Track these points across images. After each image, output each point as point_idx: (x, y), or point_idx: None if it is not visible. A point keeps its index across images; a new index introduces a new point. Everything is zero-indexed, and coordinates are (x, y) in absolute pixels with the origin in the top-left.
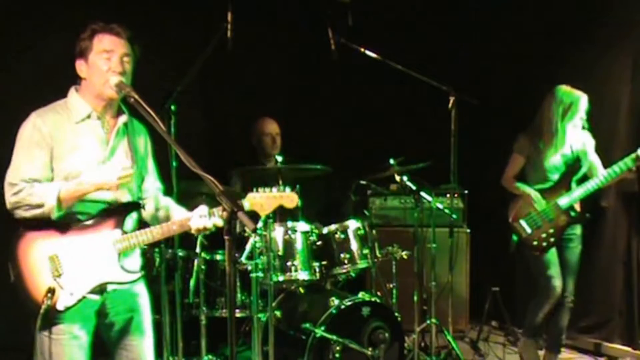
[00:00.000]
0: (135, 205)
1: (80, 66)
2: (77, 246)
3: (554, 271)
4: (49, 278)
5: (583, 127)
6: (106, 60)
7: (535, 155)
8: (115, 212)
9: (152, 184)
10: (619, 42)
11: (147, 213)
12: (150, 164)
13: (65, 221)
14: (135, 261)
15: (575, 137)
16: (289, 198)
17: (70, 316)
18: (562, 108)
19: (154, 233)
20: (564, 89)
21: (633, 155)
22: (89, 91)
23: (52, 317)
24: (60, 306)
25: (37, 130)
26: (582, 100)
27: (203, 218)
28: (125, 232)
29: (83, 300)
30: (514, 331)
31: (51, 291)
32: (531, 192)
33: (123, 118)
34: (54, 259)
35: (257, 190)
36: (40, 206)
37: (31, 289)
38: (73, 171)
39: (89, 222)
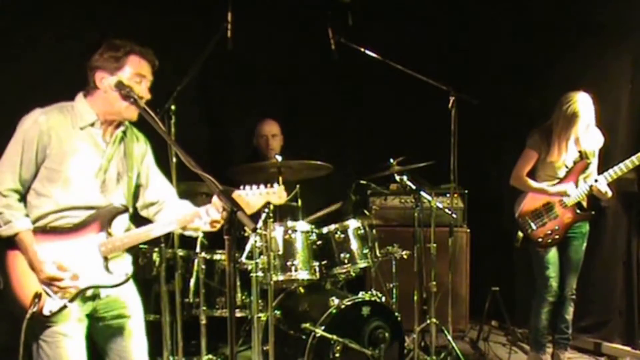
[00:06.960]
0: (121, 209)
1: (102, 79)
2: (63, 250)
3: (552, 271)
4: (36, 283)
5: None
6: (136, 84)
7: (545, 153)
8: (100, 216)
9: (163, 189)
10: (619, 42)
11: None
12: (153, 170)
13: (52, 225)
14: (122, 265)
15: (585, 138)
16: (276, 194)
17: (63, 318)
18: (564, 120)
19: (138, 236)
20: (575, 99)
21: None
22: (103, 104)
23: (42, 321)
24: (45, 311)
25: (36, 126)
26: (582, 120)
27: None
28: (110, 235)
29: (68, 306)
30: (514, 331)
31: (38, 296)
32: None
33: (122, 127)
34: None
35: (243, 188)
36: (5, 222)
37: (19, 294)
38: (64, 177)
39: (75, 226)
